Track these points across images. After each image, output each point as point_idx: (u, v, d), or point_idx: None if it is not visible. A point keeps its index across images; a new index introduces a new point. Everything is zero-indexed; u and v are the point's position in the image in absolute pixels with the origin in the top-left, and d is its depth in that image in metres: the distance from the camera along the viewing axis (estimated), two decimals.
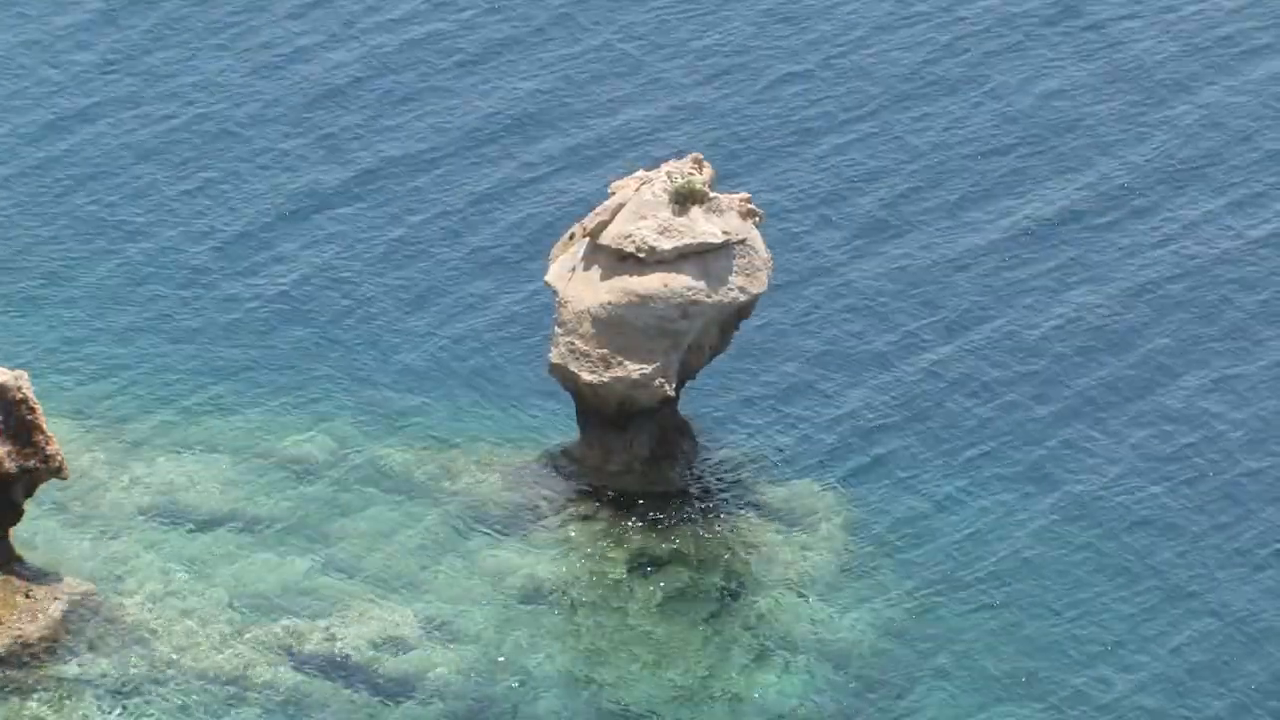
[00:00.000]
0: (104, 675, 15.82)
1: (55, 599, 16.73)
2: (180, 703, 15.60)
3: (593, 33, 29.78)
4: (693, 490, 19.66)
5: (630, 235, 18.69)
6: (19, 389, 16.58)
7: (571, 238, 20.26)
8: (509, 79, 28.74)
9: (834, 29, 29.65)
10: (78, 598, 16.81)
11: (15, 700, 15.35)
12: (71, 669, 15.84)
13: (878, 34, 29.50)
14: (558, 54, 29.37)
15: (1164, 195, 25.47)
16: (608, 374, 18.76)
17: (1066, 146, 26.71)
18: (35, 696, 15.45)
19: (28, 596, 16.65)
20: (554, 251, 20.60)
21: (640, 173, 19.90)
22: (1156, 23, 29.38)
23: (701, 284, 18.74)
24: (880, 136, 27.11)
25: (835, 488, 19.51)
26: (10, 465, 16.39)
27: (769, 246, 20.07)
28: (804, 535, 18.57)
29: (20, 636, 16.04)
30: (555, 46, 29.55)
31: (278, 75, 28.74)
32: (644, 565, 18.15)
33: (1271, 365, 21.76)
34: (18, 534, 17.41)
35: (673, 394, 19.27)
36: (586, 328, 18.90)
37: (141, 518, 18.49)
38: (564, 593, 17.65)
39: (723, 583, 17.82)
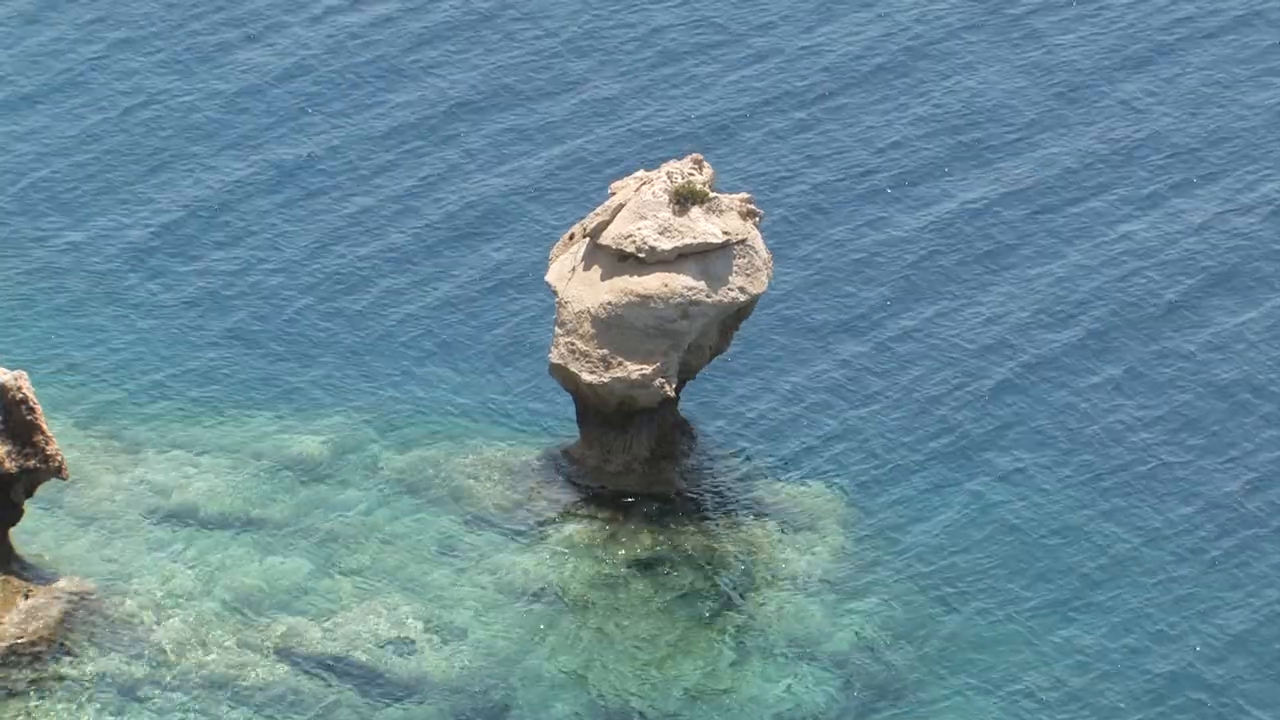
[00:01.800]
0: (104, 675, 15.81)
1: (55, 599, 16.74)
2: (180, 703, 15.60)
3: (532, 21, 30.11)
4: (692, 490, 19.67)
5: (630, 235, 18.69)
6: (19, 389, 16.58)
7: (571, 238, 20.27)
8: (456, 66, 29.00)
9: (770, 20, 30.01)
10: (78, 598, 16.81)
11: (15, 700, 15.34)
12: (71, 669, 15.83)
13: (808, 28, 29.86)
14: (502, 40, 29.66)
15: (1097, 184, 25.80)
16: (608, 374, 18.77)
17: (999, 138, 27.04)
18: (35, 696, 15.44)
19: (28, 596, 16.66)
20: (554, 251, 20.61)
21: (640, 173, 19.92)
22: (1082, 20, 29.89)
23: (702, 284, 18.74)
24: (820, 125, 27.42)
25: (834, 488, 19.52)
26: (10, 465, 16.39)
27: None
28: (804, 535, 18.58)
29: (20, 636, 16.04)
30: (498, 33, 29.87)
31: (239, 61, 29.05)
32: (644, 565, 18.15)
33: (1219, 336, 22.16)
34: (18, 534, 17.42)
35: (673, 394, 19.28)
36: (586, 328, 18.90)
37: (141, 518, 18.50)
38: (564, 593, 17.64)
39: (723, 583, 17.82)
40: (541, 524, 18.84)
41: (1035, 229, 24.85)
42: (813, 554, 18.25)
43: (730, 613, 17.40)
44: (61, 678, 15.68)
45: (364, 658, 16.31)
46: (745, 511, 19.23)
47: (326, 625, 16.75)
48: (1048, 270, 23.90)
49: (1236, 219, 24.82)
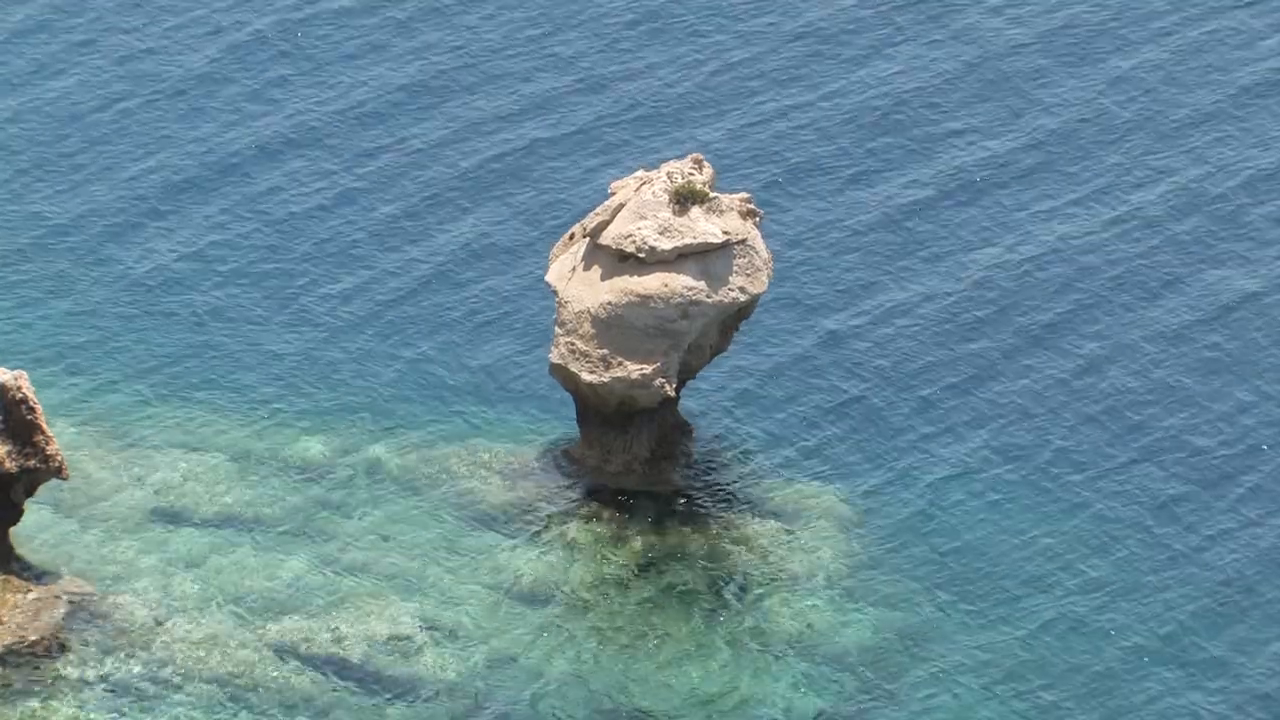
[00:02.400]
0: (104, 675, 15.80)
1: (55, 599, 16.73)
2: (180, 702, 15.57)
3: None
4: (693, 490, 19.65)
5: (630, 235, 18.68)
6: (19, 389, 16.57)
7: (571, 238, 20.26)
8: (435, 46, 29.28)
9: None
10: (78, 598, 16.80)
11: (15, 700, 15.33)
12: (71, 669, 15.82)
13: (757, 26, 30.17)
14: (478, 20, 29.97)
15: (1051, 172, 26.25)
16: (608, 374, 18.76)
17: (941, 130, 27.43)
18: (35, 696, 15.42)
19: (28, 596, 16.65)
20: (554, 251, 20.60)
21: (640, 173, 19.92)
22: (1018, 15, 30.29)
23: (702, 284, 18.73)
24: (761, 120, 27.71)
25: (835, 487, 19.51)
26: (10, 465, 16.38)
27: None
28: (803, 535, 18.56)
29: (20, 636, 16.03)
30: (475, 12, 30.19)
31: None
32: (644, 565, 18.13)
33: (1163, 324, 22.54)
34: (18, 534, 17.41)
35: (673, 394, 19.27)
36: (586, 328, 18.89)
37: (141, 518, 18.48)
38: (563, 593, 17.62)
39: (723, 583, 17.80)
40: (541, 524, 18.82)
41: (990, 218, 25.13)
42: (812, 553, 18.24)
43: (730, 612, 17.38)
44: (61, 678, 15.67)
45: (363, 657, 16.29)
46: (745, 511, 19.21)
47: (326, 625, 16.73)
48: (1008, 258, 24.19)
49: (1185, 209, 25.07)
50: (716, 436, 20.87)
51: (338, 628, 16.63)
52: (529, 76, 28.74)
